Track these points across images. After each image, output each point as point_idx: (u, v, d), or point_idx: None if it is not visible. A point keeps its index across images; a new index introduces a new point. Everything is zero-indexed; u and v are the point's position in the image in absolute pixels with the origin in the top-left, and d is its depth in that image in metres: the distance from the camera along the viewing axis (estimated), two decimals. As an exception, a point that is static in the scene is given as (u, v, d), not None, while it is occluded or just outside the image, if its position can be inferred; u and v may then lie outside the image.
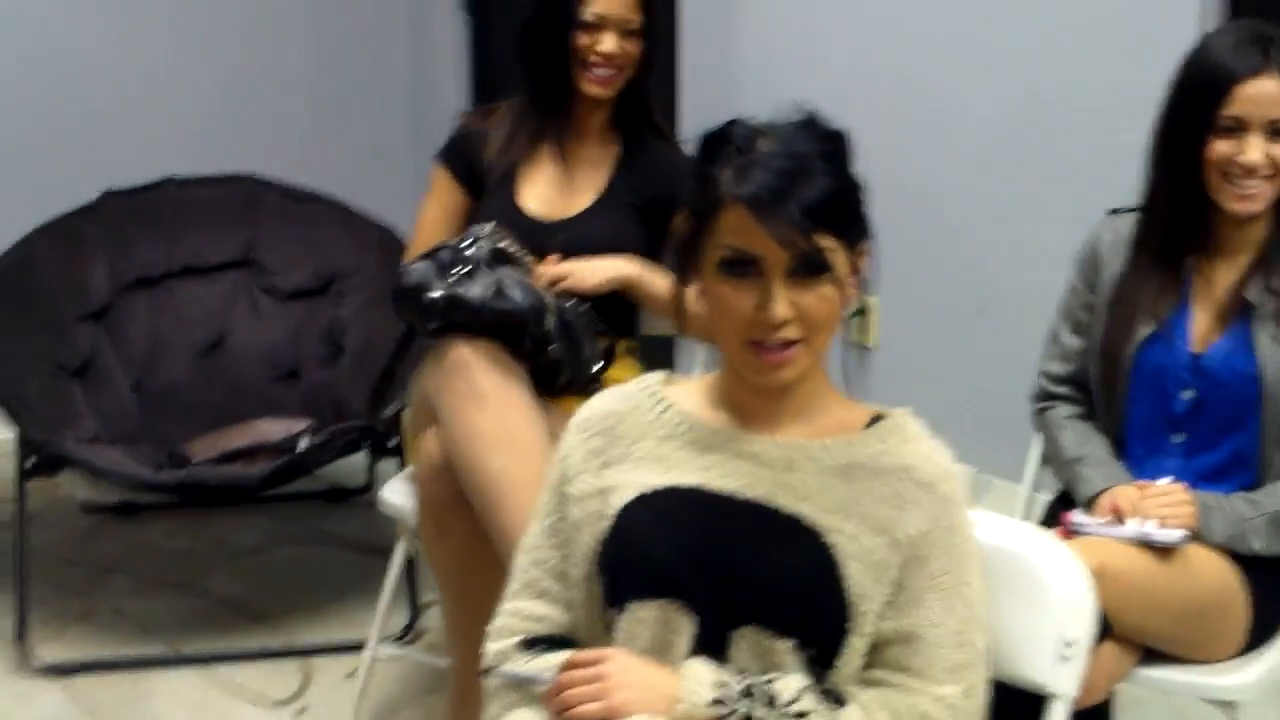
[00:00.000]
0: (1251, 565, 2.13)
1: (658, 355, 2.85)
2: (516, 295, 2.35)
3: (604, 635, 1.57)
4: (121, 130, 4.16)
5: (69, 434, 3.02)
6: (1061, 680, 1.67)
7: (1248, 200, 2.13)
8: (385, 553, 2.84)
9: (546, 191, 2.64)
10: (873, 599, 1.52)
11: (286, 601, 3.19)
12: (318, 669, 2.94)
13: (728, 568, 1.53)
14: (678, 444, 1.62)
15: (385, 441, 3.05)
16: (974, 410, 3.17)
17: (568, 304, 2.45)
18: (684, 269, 1.62)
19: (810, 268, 1.52)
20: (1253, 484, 2.21)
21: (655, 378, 1.72)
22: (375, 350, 3.22)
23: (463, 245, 2.39)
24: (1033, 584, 1.69)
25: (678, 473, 1.60)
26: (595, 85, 2.57)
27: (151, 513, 3.46)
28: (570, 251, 2.54)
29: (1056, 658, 1.67)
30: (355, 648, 2.90)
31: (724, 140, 1.57)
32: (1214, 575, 2.11)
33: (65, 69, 4.10)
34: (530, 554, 1.69)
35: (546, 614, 1.66)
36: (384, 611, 2.72)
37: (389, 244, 3.41)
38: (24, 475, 2.93)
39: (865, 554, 1.52)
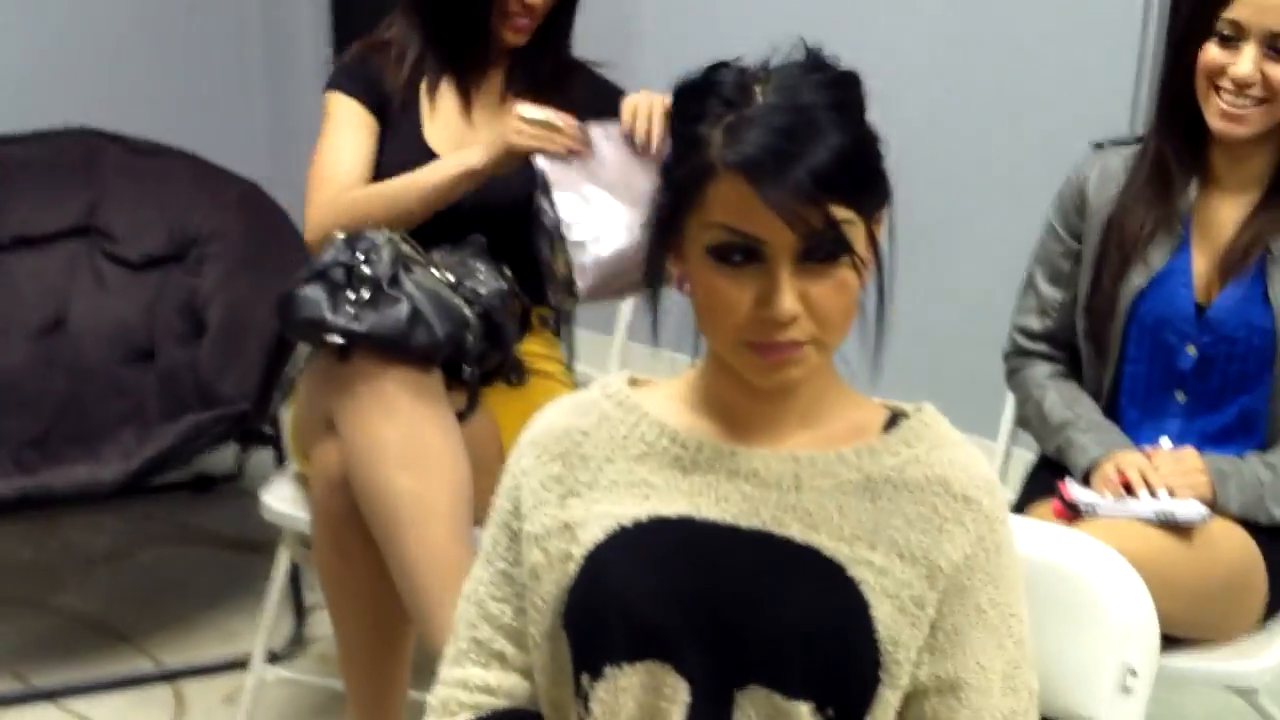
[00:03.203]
0: (1266, 532, 1.95)
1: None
2: (434, 322, 2.02)
3: (577, 707, 1.29)
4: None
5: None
6: (1124, 717, 1.39)
7: (1234, 121, 1.93)
8: (262, 549, 2.51)
9: (453, 132, 2.32)
10: (908, 644, 1.26)
11: (152, 615, 2.82)
12: (192, 694, 2.59)
13: (728, 616, 1.25)
14: (657, 464, 1.33)
15: (259, 429, 2.67)
16: (923, 357, 2.92)
17: (485, 292, 2.13)
18: (662, 248, 1.31)
19: (825, 250, 1.22)
20: (1261, 446, 2.03)
21: (618, 380, 1.40)
22: (243, 325, 2.83)
23: (359, 261, 2.03)
24: (1085, 602, 1.42)
25: (660, 500, 1.31)
26: (513, 34, 2.29)
27: (27, 503, 3.02)
28: (482, 208, 2.21)
29: (1117, 689, 1.40)
30: (234, 666, 2.58)
31: (708, 91, 1.25)
32: (1234, 550, 1.93)
33: None
34: (478, 607, 1.39)
35: (501, 683, 1.37)
36: (267, 627, 2.39)
37: (251, 201, 3.03)
38: None
39: (898, 589, 1.26)
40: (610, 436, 1.35)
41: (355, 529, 2.01)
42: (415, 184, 2.20)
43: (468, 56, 2.32)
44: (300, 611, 2.72)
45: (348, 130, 2.29)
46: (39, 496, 2.52)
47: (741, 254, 1.22)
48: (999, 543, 1.31)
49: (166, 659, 2.67)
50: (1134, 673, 1.39)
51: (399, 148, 2.28)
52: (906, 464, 1.31)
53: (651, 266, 1.34)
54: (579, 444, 1.35)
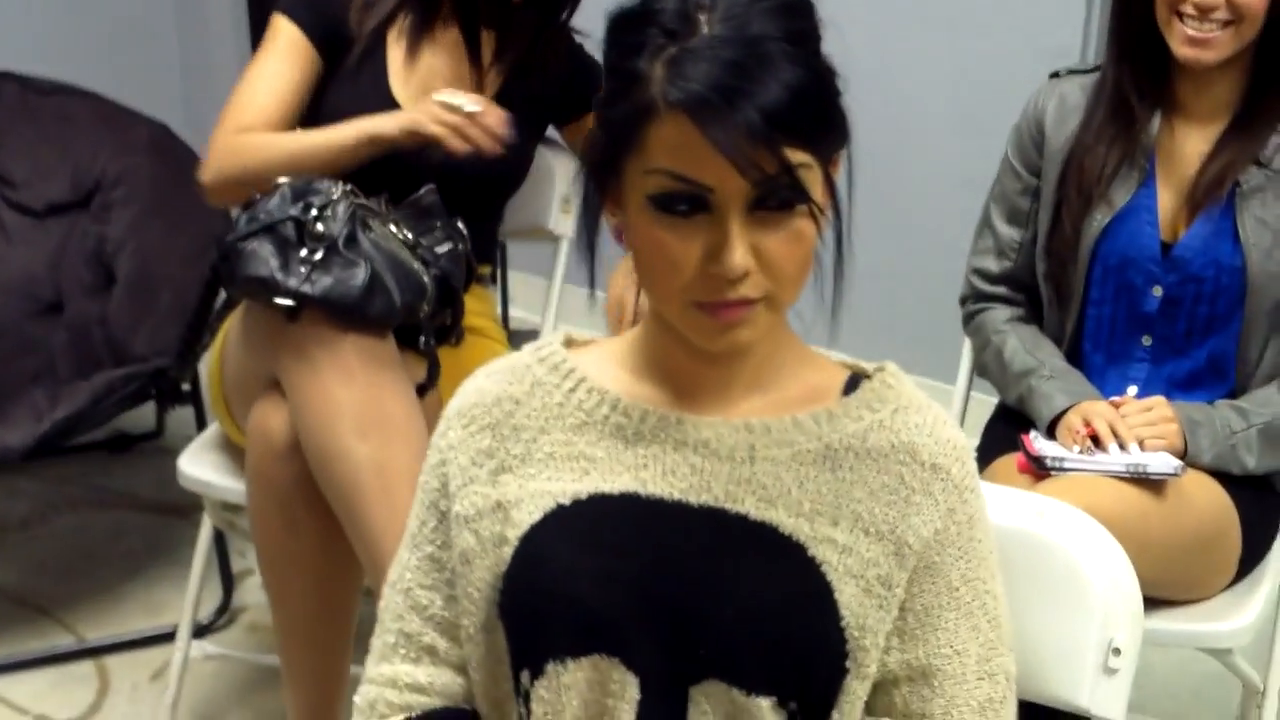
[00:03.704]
0: (1239, 484, 1.87)
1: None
2: (392, 289, 1.88)
3: (517, 706, 1.19)
4: None
5: None
6: (1108, 699, 1.31)
7: (1199, 46, 1.82)
8: (186, 512, 2.37)
9: (426, 86, 2.12)
10: (875, 629, 1.17)
11: (71, 586, 2.67)
12: (116, 671, 2.46)
13: (679, 604, 1.15)
14: (597, 434, 1.21)
15: (177, 387, 2.53)
16: (875, 300, 2.81)
17: (441, 251, 2.00)
18: (598, 199, 1.19)
19: (779, 197, 1.10)
20: (1231, 392, 1.95)
21: (553, 342, 1.28)
22: (155, 277, 2.68)
23: (311, 215, 1.88)
24: (1064, 575, 1.33)
25: (601, 474, 1.20)
26: None
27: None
28: (452, 172, 2.04)
29: (1099, 670, 1.32)
30: (160, 639, 2.47)
31: (647, 19, 1.12)
32: (1207, 504, 1.85)
33: None
34: (404, 596, 1.27)
35: (433, 680, 1.25)
36: (193, 599, 2.26)
37: (161, 144, 2.86)
38: None
39: (863, 569, 1.16)
40: (544, 404, 1.23)
41: (304, 498, 1.88)
42: (322, 140, 2.04)
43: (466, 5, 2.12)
44: (228, 580, 2.59)
45: (278, 59, 2.10)
46: (-64, 466, 2.37)
47: (686, 203, 1.10)
48: (970, 514, 1.21)
49: (89, 634, 2.54)
50: (1118, 651, 1.30)
51: (357, 95, 2.10)
52: (869, 430, 1.20)
53: (586, 216, 1.21)
54: (510, 414, 1.23)
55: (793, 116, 1.08)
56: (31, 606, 2.61)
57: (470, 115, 1.97)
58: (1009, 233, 2.01)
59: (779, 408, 1.21)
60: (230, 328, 2.06)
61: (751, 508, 1.17)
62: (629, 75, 1.11)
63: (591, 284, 1.28)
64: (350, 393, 1.84)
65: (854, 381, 1.25)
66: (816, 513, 1.17)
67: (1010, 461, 1.86)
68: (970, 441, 1.26)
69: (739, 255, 1.10)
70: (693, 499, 1.18)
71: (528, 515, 1.19)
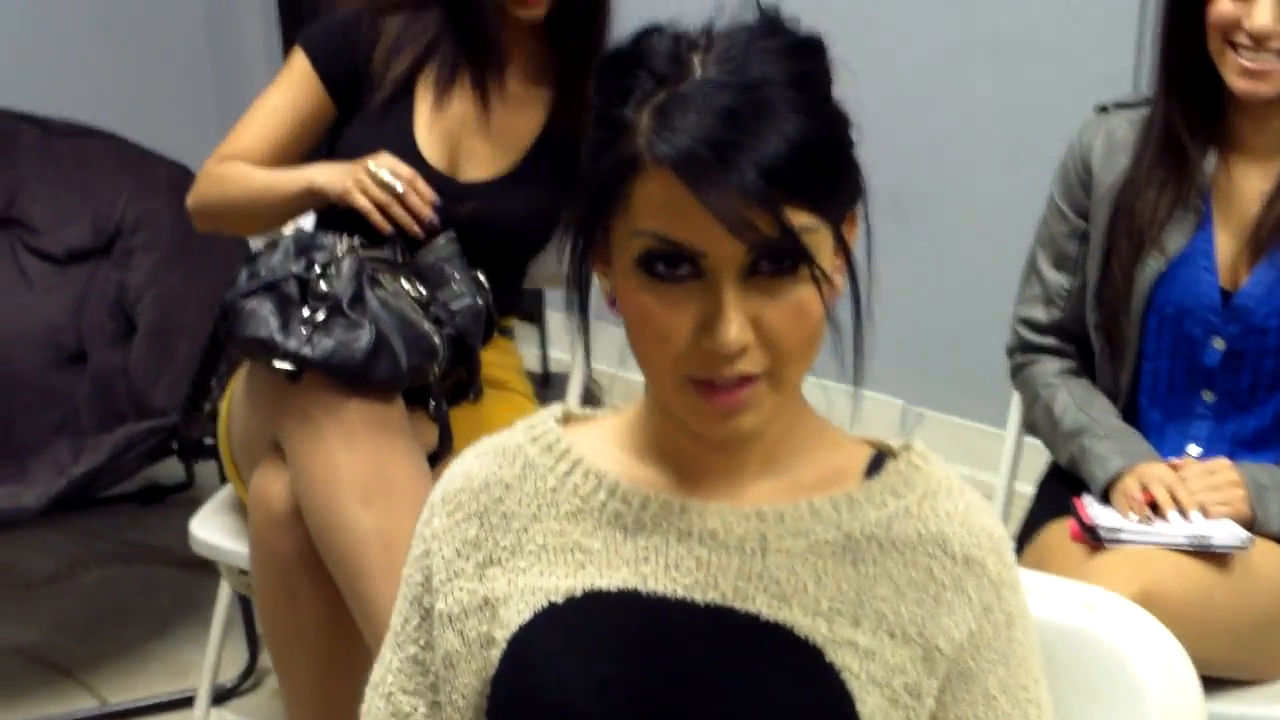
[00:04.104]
0: None
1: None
2: (399, 352, 1.80)
3: None
4: None
5: None
6: (1165, 821, 1.18)
7: (1255, 78, 1.69)
8: (215, 568, 2.25)
9: (452, 136, 2.03)
10: None
11: (95, 645, 2.60)
12: (138, 737, 2.38)
13: (683, 715, 1.05)
14: (594, 523, 1.10)
15: (200, 441, 2.45)
16: (895, 333, 2.68)
17: (457, 308, 1.91)
18: (584, 261, 1.09)
19: (779, 263, 0.99)
20: None
21: (548, 418, 1.17)
22: (174, 325, 2.62)
23: (315, 273, 1.81)
24: (1116, 677, 1.20)
25: (598, 568, 1.09)
26: (523, 7, 1.97)
27: (-81, 541, 2.82)
28: (477, 229, 1.96)
29: (1156, 787, 1.18)
30: (184, 703, 2.37)
31: (636, 61, 1.02)
32: (1277, 577, 1.71)
33: None
34: (386, 702, 1.17)
35: None
36: (211, 666, 2.18)
37: (181, 185, 2.73)
38: None
39: (888, 676, 1.05)
40: (537, 489, 1.12)
41: (305, 569, 1.81)
42: (272, 185, 1.98)
43: (477, 31, 2.00)
44: (253, 642, 2.50)
45: (283, 92, 2.04)
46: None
47: (676, 268, 0.99)
48: (1009, 612, 1.09)
49: (112, 696, 2.47)
50: (1175, 772, 1.18)
51: (380, 137, 2.00)
52: (894, 518, 1.09)
53: (576, 279, 1.10)
54: (500, 499, 1.13)
55: (795, 173, 0.97)
56: (53, 667, 2.55)
57: (397, 194, 1.89)
58: (1057, 280, 1.89)
59: (794, 493, 1.10)
60: (235, 386, 1.99)
61: (763, 606, 1.06)
62: (614, 124, 1.01)
63: (587, 355, 1.18)
64: (353, 458, 1.76)
65: (878, 462, 1.13)
66: (836, 612, 1.06)
67: (1063, 527, 1.74)
68: (1007, 527, 1.14)
69: (734, 328, 0.98)
70: (698, 597, 1.07)
71: (517, 614, 1.08)
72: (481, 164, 2.03)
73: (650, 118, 0.98)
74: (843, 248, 1.04)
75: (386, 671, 1.17)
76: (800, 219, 0.98)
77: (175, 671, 2.51)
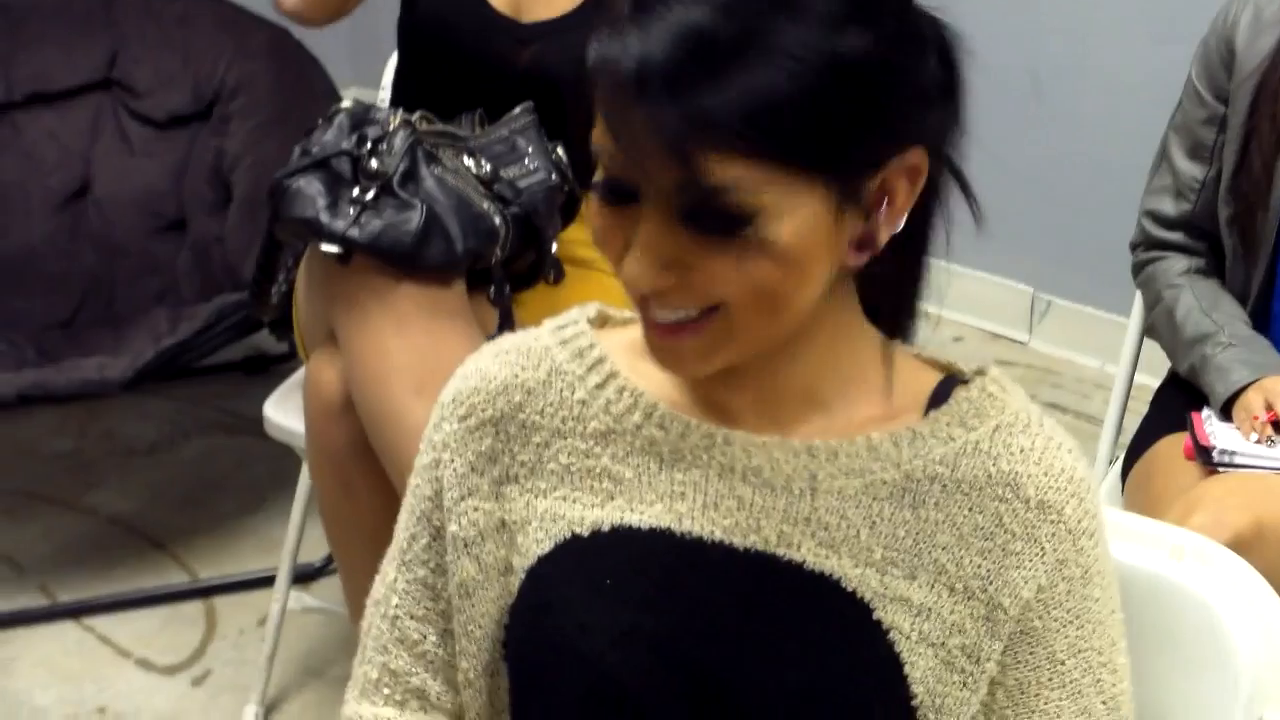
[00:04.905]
0: None
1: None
2: (454, 234, 1.68)
3: None
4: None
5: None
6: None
7: None
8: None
9: None
10: (956, 711, 0.94)
11: (190, 517, 2.57)
12: (224, 614, 2.36)
13: (712, 672, 0.94)
14: (626, 447, 0.99)
15: (287, 318, 2.39)
16: (1026, 217, 2.48)
17: (525, 185, 1.78)
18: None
19: (709, 216, 0.85)
20: None
21: (580, 318, 1.05)
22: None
23: (366, 149, 1.70)
24: (1203, 633, 1.07)
25: (628, 501, 0.98)
26: None
27: (27, 402, 2.81)
28: (541, 73, 1.83)
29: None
30: (271, 581, 2.31)
31: None
32: None
33: None
34: (391, 626, 1.07)
35: None
36: (291, 549, 2.13)
37: (281, 50, 2.71)
38: None
39: (944, 635, 0.94)
40: (563, 400, 1.01)
41: (359, 460, 1.73)
42: None
43: None
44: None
45: None
46: (38, 396, 2.28)
47: (617, 191, 0.88)
48: (1086, 567, 0.96)
49: (202, 571, 2.44)
50: (1267, 732, 1.04)
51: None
52: (960, 454, 0.95)
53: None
54: (519, 407, 1.01)
55: (738, 122, 0.81)
56: (147, 538, 2.52)
57: None
58: (1190, 169, 1.69)
59: (848, 427, 0.97)
60: (303, 267, 1.90)
61: (809, 554, 0.94)
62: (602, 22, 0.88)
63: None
64: (404, 345, 1.66)
65: (945, 389, 0.99)
66: (890, 562, 0.94)
67: (1177, 443, 1.57)
68: (1095, 470, 1.00)
69: (638, 268, 0.87)
70: (738, 541, 0.96)
71: (536, 543, 0.98)
72: (546, 1, 1.88)
73: (608, 27, 0.85)
74: (878, 196, 0.89)
75: (391, 591, 1.08)
76: (734, 172, 0.82)
77: (266, 548, 2.46)
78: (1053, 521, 0.95)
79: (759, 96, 0.81)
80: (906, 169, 0.89)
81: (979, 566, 0.94)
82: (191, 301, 2.60)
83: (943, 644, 0.94)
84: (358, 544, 1.79)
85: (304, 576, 2.34)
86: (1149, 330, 1.78)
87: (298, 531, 2.13)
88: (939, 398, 0.99)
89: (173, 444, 2.77)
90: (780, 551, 0.95)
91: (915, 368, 1.01)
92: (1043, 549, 0.95)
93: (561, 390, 1.01)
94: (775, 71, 0.82)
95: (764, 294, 0.87)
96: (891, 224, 0.91)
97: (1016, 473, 0.95)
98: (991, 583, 0.94)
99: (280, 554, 2.23)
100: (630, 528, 0.97)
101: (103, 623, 2.33)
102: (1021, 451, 0.96)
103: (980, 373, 1.00)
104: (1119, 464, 1.71)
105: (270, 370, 2.98)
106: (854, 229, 0.89)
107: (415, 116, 1.76)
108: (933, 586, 0.94)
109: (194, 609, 2.36)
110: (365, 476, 1.73)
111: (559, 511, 0.99)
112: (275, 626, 2.13)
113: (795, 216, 0.85)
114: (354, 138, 1.71)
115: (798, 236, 0.85)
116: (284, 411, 1.99)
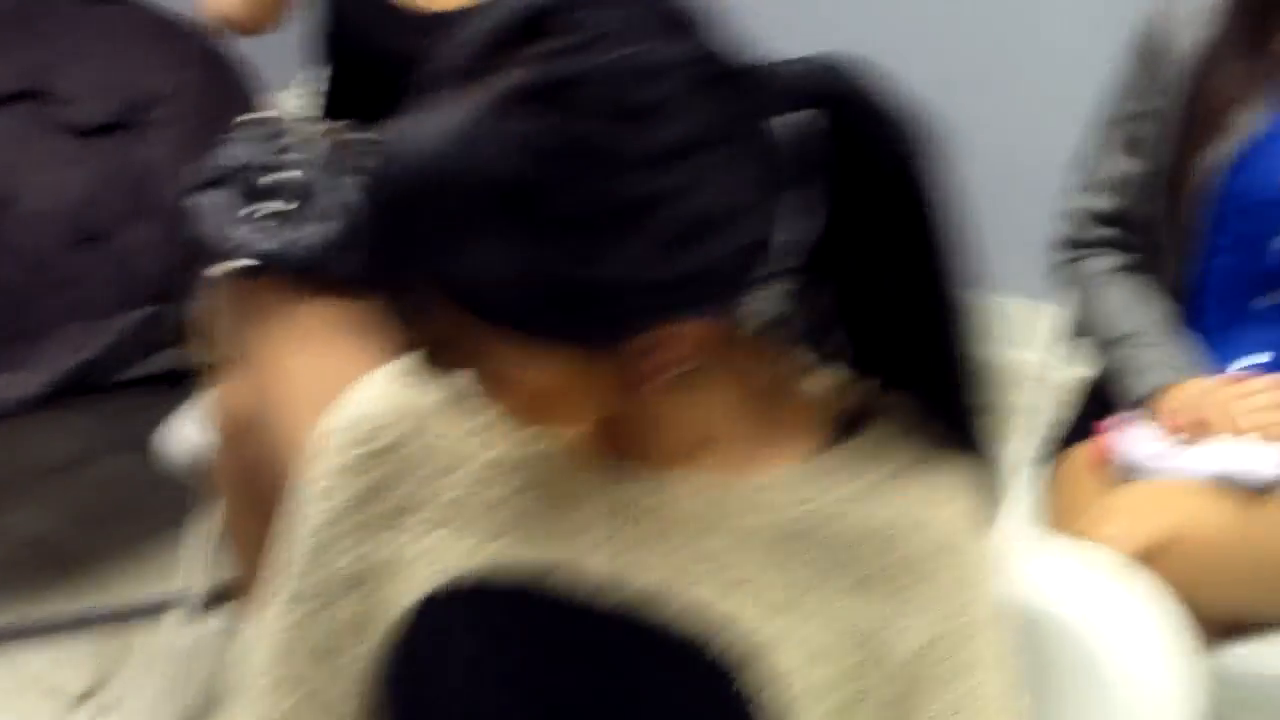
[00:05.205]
0: None
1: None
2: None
3: None
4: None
5: None
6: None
7: None
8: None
9: None
10: None
11: (102, 539, 2.49)
12: (135, 640, 2.28)
13: None
14: (518, 481, 0.93)
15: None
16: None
17: None
18: None
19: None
20: None
21: None
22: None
23: (279, 161, 1.66)
24: (1108, 685, 1.02)
25: (516, 541, 0.92)
26: None
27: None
28: None
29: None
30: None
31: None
32: None
33: None
34: (273, 667, 1.01)
35: None
36: (190, 571, 2.09)
37: (213, 60, 2.62)
38: None
39: (827, 689, 0.90)
40: (455, 431, 0.95)
41: (271, 481, 1.66)
42: None
43: None
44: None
45: None
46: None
47: None
48: (976, 619, 0.91)
49: (111, 597, 2.36)
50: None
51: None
52: (855, 500, 0.90)
53: None
54: (408, 439, 0.95)
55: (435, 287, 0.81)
56: (55, 561, 2.45)
57: None
58: (1124, 165, 1.63)
59: (747, 467, 0.91)
60: (213, 283, 1.84)
61: (698, 597, 0.89)
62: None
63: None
64: (310, 364, 1.60)
65: (844, 432, 0.94)
66: (775, 609, 0.89)
67: (1088, 450, 1.51)
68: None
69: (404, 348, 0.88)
70: (628, 582, 0.90)
71: (415, 585, 0.93)
72: None
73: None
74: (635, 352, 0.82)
75: (271, 632, 1.01)
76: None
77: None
78: (928, 580, 0.90)
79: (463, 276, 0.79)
80: (676, 336, 0.82)
81: (866, 617, 0.89)
82: (110, 316, 2.53)
83: (824, 697, 0.89)
84: (256, 563, 1.73)
85: (213, 602, 2.26)
86: (1081, 329, 1.71)
87: (200, 555, 2.06)
88: (837, 440, 0.93)
89: (93, 460, 2.69)
90: (669, 594, 0.90)
91: (814, 409, 0.95)
92: (929, 602, 0.90)
93: (453, 422, 0.95)
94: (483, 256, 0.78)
95: (529, 408, 0.85)
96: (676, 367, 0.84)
97: (907, 522, 0.90)
98: (877, 635, 0.89)
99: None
100: (516, 566, 0.92)
101: (10, 649, 2.26)
102: (914, 500, 0.91)
103: (881, 414, 0.94)
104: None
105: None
106: (619, 372, 0.83)
107: (339, 125, 1.71)
108: (821, 634, 0.89)
109: (102, 635, 2.29)
110: (274, 497, 1.67)
111: (440, 551, 0.93)
112: (183, 651, 2.06)
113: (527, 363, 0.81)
114: (267, 149, 1.65)
115: (531, 380, 0.82)
116: (176, 440, 1.93)
